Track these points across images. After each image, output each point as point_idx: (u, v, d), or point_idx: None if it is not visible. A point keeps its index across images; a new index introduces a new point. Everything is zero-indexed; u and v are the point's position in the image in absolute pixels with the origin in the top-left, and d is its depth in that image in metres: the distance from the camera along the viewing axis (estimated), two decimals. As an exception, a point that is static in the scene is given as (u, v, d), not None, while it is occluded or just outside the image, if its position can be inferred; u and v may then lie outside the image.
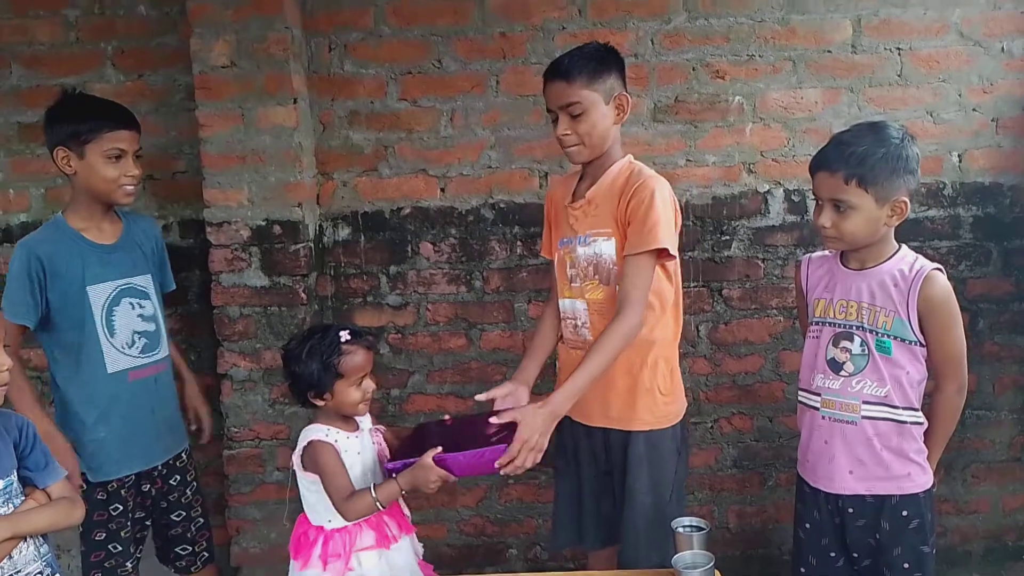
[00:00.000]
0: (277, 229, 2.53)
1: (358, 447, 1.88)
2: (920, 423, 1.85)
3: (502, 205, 2.70)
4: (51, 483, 1.68)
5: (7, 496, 1.61)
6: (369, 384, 1.86)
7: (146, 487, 2.17)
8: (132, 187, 2.09)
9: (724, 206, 2.69)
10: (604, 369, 1.84)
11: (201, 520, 2.29)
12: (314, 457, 1.82)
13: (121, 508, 2.10)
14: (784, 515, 2.70)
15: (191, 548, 2.27)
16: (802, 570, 1.97)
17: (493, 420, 1.81)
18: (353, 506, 1.79)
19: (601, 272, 1.97)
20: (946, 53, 2.63)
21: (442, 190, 2.71)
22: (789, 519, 2.12)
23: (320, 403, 1.85)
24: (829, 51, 2.63)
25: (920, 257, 1.84)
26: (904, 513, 1.83)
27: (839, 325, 1.88)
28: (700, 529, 1.74)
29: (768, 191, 2.69)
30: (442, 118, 2.67)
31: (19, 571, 1.60)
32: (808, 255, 2.05)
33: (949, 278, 1.82)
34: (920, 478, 1.85)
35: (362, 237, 2.72)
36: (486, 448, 1.75)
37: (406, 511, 1.97)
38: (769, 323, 2.74)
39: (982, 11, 2.61)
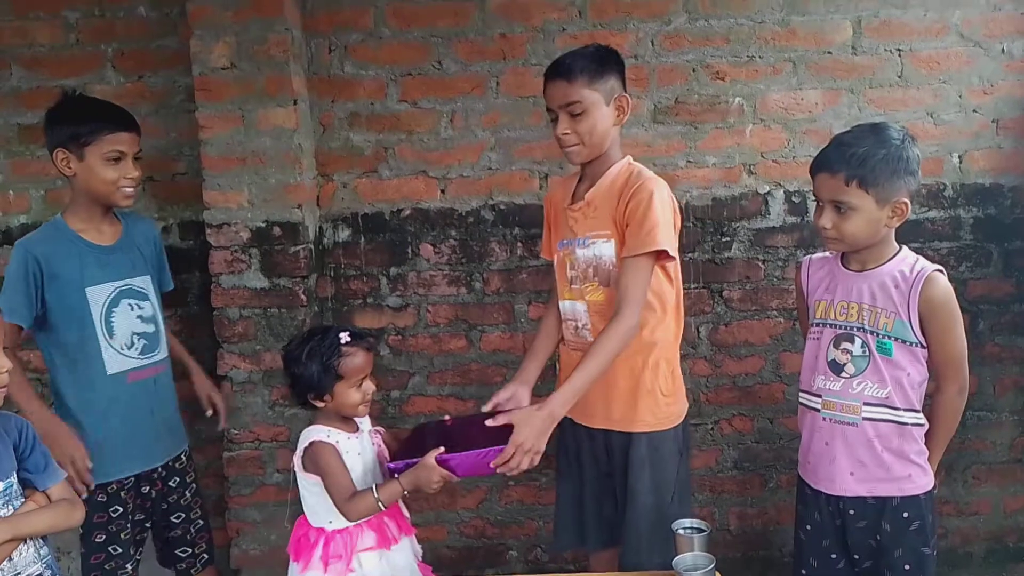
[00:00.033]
0: (277, 231, 2.53)
1: (358, 448, 1.88)
2: (921, 424, 1.85)
3: (502, 206, 2.70)
4: (51, 485, 1.68)
5: (7, 498, 1.61)
6: (369, 386, 1.86)
7: (146, 489, 2.17)
8: (131, 189, 2.09)
9: (724, 207, 2.69)
10: (602, 371, 1.84)
11: (201, 522, 2.29)
12: (315, 458, 1.82)
13: (121, 510, 2.09)
14: (785, 517, 2.70)
15: (191, 550, 2.27)
16: (803, 572, 1.97)
17: (490, 423, 1.81)
18: (355, 506, 1.79)
19: (601, 274, 1.97)
20: (946, 54, 2.63)
21: (442, 191, 2.70)
22: (790, 521, 2.12)
23: (320, 405, 1.85)
24: (829, 52, 2.63)
25: (921, 258, 1.84)
26: (905, 515, 1.83)
27: (840, 326, 1.87)
28: (701, 531, 1.73)
29: (768, 192, 2.69)
30: (442, 119, 2.67)
31: (19, 573, 1.60)
32: (809, 256, 2.05)
33: (950, 279, 1.82)
34: (921, 479, 1.85)
35: (362, 239, 2.72)
36: (489, 448, 1.75)
37: (406, 512, 1.97)
38: (769, 324, 2.74)
39: (982, 12, 2.61)
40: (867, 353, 1.83)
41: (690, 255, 2.68)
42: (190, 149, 2.63)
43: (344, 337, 1.82)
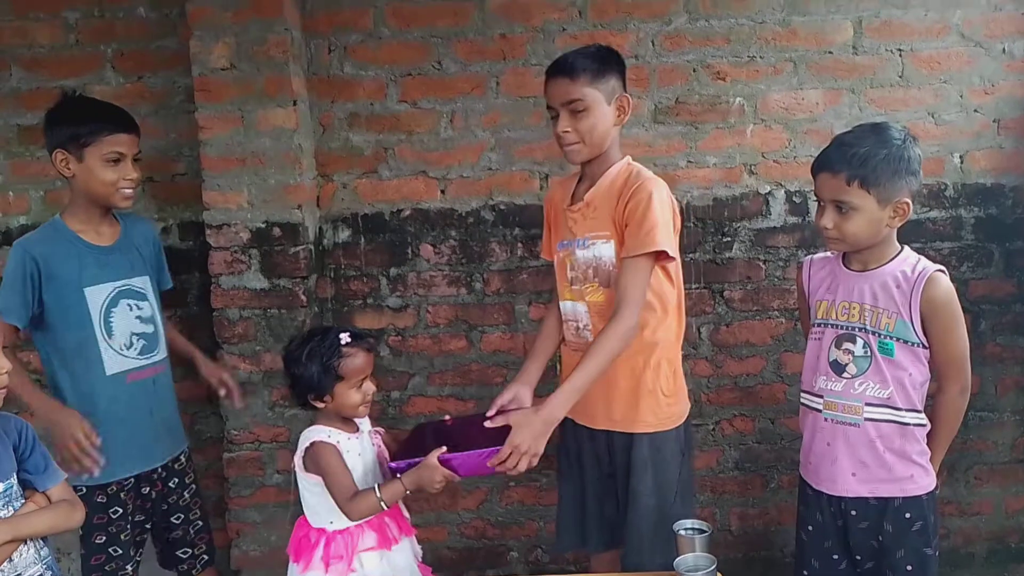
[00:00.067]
0: (277, 231, 2.53)
1: (359, 448, 1.88)
2: (923, 425, 1.85)
3: (502, 207, 2.70)
4: (51, 486, 1.68)
5: (7, 499, 1.60)
6: (369, 386, 1.86)
7: (146, 490, 2.16)
8: (130, 191, 2.09)
9: (725, 207, 2.69)
10: (601, 371, 1.84)
11: (200, 523, 2.28)
12: (316, 458, 1.82)
13: (121, 511, 2.09)
14: (786, 517, 2.69)
15: (191, 551, 2.27)
16: (804, 573, 1.97)
17: (489, 424, 1.82)
18: (357, 506, 1.79)
19: (601, 274, 1.96)
20: (947, 54, 2.63)
21: (442, 192, 2.70)
22: (791, 521, 2.11)
23: (320, 405, 1.85)
24: (830, 52, 2.63)
25: (922, 258, 1.83)
26: (907, 515, 1.83)
27: (841, 327, 1.87)
28: (702, 532, 1.73)
29: (769, 192, 2.69)
30: (442, 120, 2.66)
31: (20, 574, 1.60)
32: (810, 256, 2.04)
33: (951, 279, 1.81)
34: (923, 480, 1.84)
35: (362, 239, 2.71)
36: (492, 448, 1.75)
37: (405, 513, 1.97)
38: (771, 325, 2.74)
39: (983, 12, 2.61)
40: (869, 353, 1.83)
41: (691, 255, 2.68)
42: (190, 150, 2.63)
43: (344, 338, 1.82)
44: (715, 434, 2.78)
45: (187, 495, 2.25)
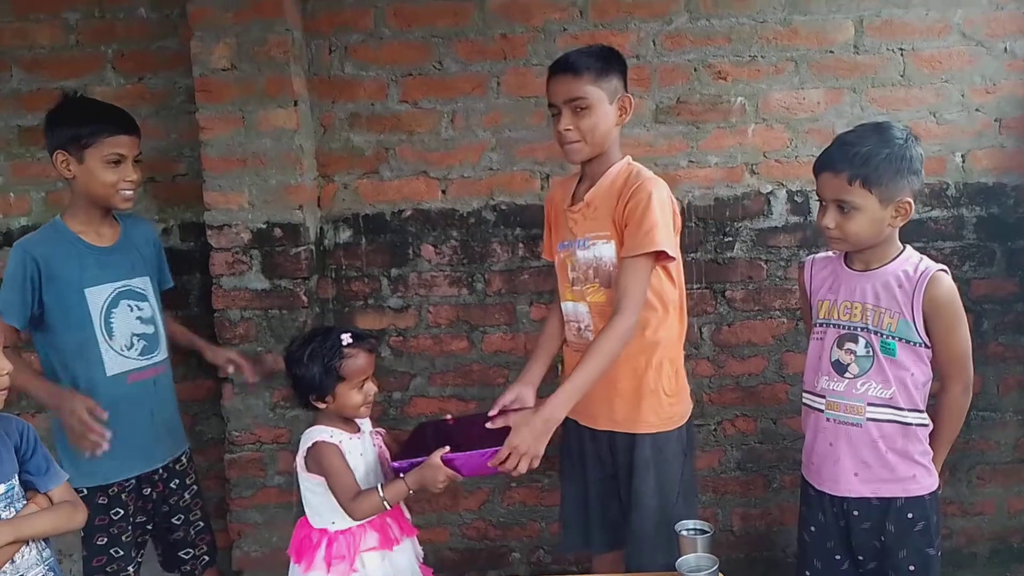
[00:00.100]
0: (278, 232, 2.52)
1: (360, 449, 1.88)
2: (925, 425, 1.84)
3: (503, 207, 2.69)
4: (53, 487, 1.68)
5: (9, 500, 1.60)
6: (371, 387, 1.86)
7: (147, 491, 2.16)
8: (130, 192, 2.09)
9: (726, 207, 2.69)
10: (601, 371, 1.83)
11: (201, 524, 2.28)
12: (319, 458, 1.82)
13: (122, 512, 2.09)
14: (788, 518, 2.69)
15: (192, 552, 2.26)
16: (807, 573, 1.96)
17: (490, 424, 1.82)
18: (360, 506, 1.79)
19: (601, 275, 1.96)
20: (949, 53, 2.63)
21: (443, 192, 2.70)
22: (793, 522, 2.11)
23: (322, 406, 1.85)
24: (831, 51, 2.63)
25: (925, 258, 1.83)
26: (909, 515, 1.82)
27: (843, 327, 1.87)
28: (704, 532, 1.73)
29: (771, 192, 2.68)
30: (443, 120, 2.66)
31: (22, 575, 1.59)
32: (812, 256, 2.04)
33: (953, 279, 1.81)
34: (925, 480, 1.84)
35: (363, 239, 2.71)
36: (495, 448, 1.74)
37: (407, 514, 1.97)
38: (772, 325, 2.73)
39: (984, 11, 2.61)
40: (871, 353, 1.82)
41: (692, 255, 2.67)
42: (190, 150, 2.63)
43: (346, 338, 1.82)
44: (717, 434, 2.78)
45: (188, 496, 2.25)
